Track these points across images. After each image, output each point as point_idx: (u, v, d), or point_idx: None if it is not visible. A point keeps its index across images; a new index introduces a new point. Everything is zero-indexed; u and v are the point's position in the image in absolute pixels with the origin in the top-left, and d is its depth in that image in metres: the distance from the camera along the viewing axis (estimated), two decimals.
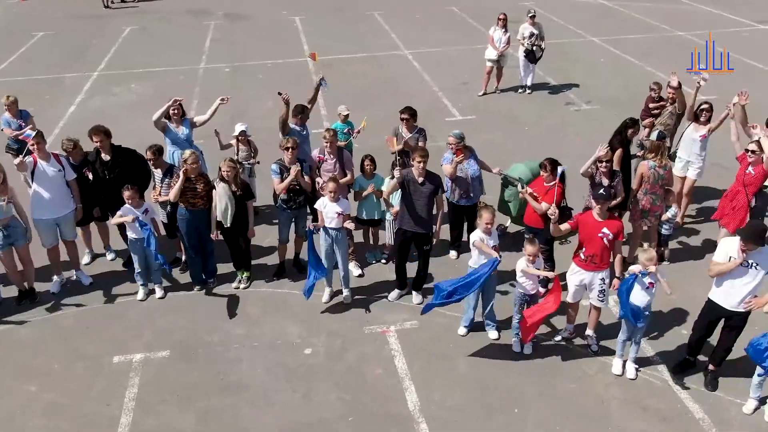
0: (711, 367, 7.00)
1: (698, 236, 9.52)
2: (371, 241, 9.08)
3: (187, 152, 8.06)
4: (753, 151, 8.01)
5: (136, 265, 8.20)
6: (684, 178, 9.48)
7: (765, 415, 6.57)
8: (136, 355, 7.43)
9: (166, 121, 9.11)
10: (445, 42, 18.53)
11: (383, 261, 9.01)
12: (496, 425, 6.54)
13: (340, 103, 10.02)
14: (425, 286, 8.27)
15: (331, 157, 8.49)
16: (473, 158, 8.64)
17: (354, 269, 8.70)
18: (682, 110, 9.57)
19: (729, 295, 6.50)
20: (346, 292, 8.22)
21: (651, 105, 10.28)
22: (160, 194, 8.30)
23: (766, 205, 8.65)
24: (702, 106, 9.15)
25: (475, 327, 7.73)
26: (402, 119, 9.16)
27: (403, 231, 7.92)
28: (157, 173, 8.32)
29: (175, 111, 9.12)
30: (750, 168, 8.08)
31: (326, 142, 8.41)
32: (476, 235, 7.21)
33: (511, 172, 9.00)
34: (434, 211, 7.88)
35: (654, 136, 9.08)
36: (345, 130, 9.61)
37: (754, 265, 6.31)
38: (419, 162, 7.57)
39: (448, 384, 7.04)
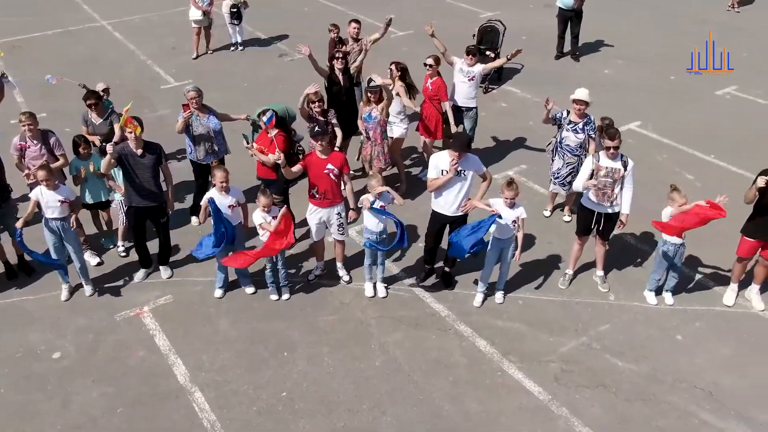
0: (446, 269, 7.84)
1: (417, 161, 10.43)
2: (104, 226, 8.52)
3: None
4: (430, 65, 9.09)
5: None
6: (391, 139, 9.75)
7: (496, 299, 7.58)
8: None
9: None
10: (145, 8, 17.53)
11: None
12: (270, 372, 6.70)
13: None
14: (173, 258, 8.06)
15: (35, 142, 7.74)
16: (212, 114, 8.45)
17: (91, 258, 8.12)
18: (373, 42, 10.28)
19: (447, 204, 7.27)
20: (86, 284, 7.67)
21: (335, 49, 10.15)
22: None
23: (472, 123, 9.78)
24: (391, 65, 9.38)
25: (230, 287, 7.74)
26: (89, 105, 8.46)
27: (134, 208, 7.55)
28: None
29: None
30: (428, 82, 9.16)
31: (23, 126, 7.66)
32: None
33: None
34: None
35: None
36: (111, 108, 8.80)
37: (463, 171, 7.11)
38: (130, 132, 7.20)
39: (215, 347, 7.01)
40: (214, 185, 7.23)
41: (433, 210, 7.44)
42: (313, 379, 6.63)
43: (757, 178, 6.77)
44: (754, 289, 7.53)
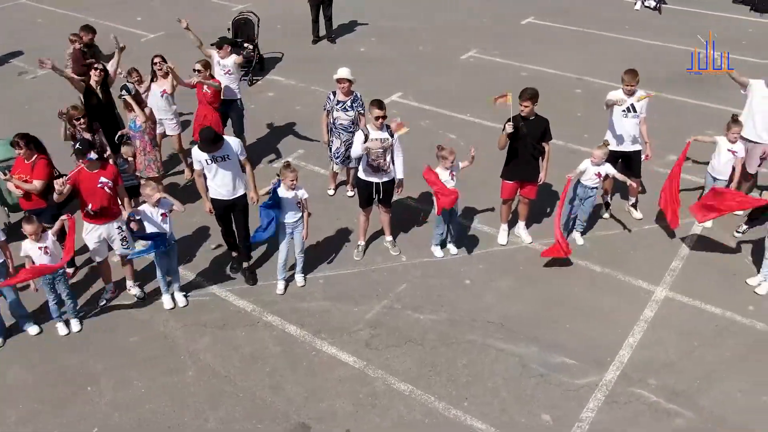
0: (246, 264, 7.81)
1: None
2: None
3: None
4: (199, 71, 8.91)
5: None
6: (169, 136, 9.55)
7: (297, 282, 7.71)
8: None
9: None
10: None
11: None
12: (76, 410, 6.22)
13: None
14: None
15: None
16: None
17: None
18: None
19: (222, 188, 7.26)
20: None
21: (87, 61, 9.48)
22: None
23: (239, 115, 9.70)
24: (154, 60, 9.18)
25: (9, 332, 7.04)
26: None
27: None
28: None
29: None
30: (205, 87, 9.00)
31: None
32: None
33: None
34: None
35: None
36: None
37: (226, 156, 7.12)
38: None
39: (8, 400, 6.34)
40: None
41: (212, 198, 7.38)
42: (125, 405, 6.28)
43: (504, 125, 7.58)
44: (520, 225, 8.44)
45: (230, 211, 7.53)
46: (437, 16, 16.23)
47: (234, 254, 7.88)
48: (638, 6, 16.91)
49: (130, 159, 8.18)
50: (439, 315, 7.30)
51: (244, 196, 7.42)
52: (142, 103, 8.43)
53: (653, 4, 16.79)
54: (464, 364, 6.69)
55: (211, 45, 9.74)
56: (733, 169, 8.20)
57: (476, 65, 13.58)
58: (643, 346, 6.88)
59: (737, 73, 8.40)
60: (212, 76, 9.11)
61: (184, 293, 7.49)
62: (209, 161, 7.09)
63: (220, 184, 7.23)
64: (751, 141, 8.41)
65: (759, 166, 8.60)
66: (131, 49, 11.85)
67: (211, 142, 6.94)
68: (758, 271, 7.67)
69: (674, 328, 7.10)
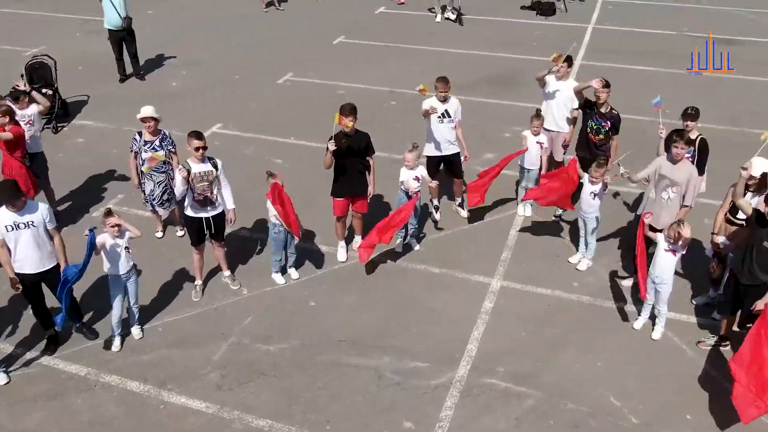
0: (54, 331, 7.13)
1: None
2: None
3: None
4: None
5: None
6: None
7: (134, 336, 7.22)
8: None
9: None
10: None
11: None
12: None
13: None
14: None
15: None
16: None
17: None
18: None
19: (26, 262, 6.61)
20: None
21: None
22: None
23: (44, 167, 8.98)
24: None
25: None
26: None
27: None
28: None
29: None
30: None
31: None
32: None
33: None
34: None
35: None
36: None
37: (30, 223, 6.52)
38: None
39: None
40: None
41: (17, 273, 6.66)
42: None
43: (327, 144, 7.62)
44: (357, 240, 8.52)
45: (40, 287, 6.88)
46: (248, 43, 16.11)
47: (48, 333, 7.13)
48: (439, 18, 17.86)
49: None
50: (289, 342, 7.16)
51: (57, 267, 6.77)
52: None
53: (453, 16, 17.80)
54: (320, 387, 6.61)
55: (4, 96, 8.94)
56: (541, 158, 8.86)
57: (293, 88, 13.62)
58: (488, 337, 7.19)
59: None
60: (17, 123, 8.34)
61: (4, 369, 6.74)
62: (10, 228, 6.44)
63: (25, 257, 6.57)
64: (553, 131, 9.14)
65: (564, 153, 9.36)
66: None
67: (15, 193, 6.37)
68: (577, 250, 8.33)
69: (513, 315, 7.50)
